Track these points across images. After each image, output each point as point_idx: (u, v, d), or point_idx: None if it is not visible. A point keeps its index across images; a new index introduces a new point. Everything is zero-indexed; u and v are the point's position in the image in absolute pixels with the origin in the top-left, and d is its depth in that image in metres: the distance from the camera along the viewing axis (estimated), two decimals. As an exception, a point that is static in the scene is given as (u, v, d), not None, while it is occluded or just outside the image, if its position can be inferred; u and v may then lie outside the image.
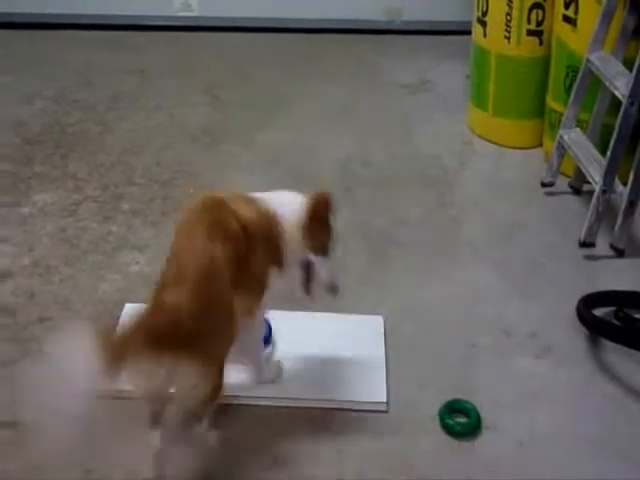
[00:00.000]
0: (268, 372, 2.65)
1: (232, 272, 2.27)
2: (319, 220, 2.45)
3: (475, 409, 2.57)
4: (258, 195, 2.45)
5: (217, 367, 2.25)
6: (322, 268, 2.47)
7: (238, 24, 5.05)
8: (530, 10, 3.77)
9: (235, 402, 2.58)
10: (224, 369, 2.28)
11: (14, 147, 3.89)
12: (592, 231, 3.29)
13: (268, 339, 2.73)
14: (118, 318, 2.85)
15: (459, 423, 2.54)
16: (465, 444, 2.50)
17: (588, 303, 2.88)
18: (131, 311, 2.89)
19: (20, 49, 4.74)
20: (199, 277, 2.19)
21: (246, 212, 2.37)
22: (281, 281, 2.48)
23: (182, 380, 2.16)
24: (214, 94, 4.40)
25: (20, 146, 3.90)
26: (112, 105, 4.25)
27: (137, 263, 3.18)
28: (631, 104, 3.17)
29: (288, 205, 2.45)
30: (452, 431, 2.52)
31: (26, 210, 3.46)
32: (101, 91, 4.37)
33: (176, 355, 2.11)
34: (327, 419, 2.56)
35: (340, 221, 3.40)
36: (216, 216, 2.33)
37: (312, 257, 2.47)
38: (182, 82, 4.51)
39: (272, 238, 2.41)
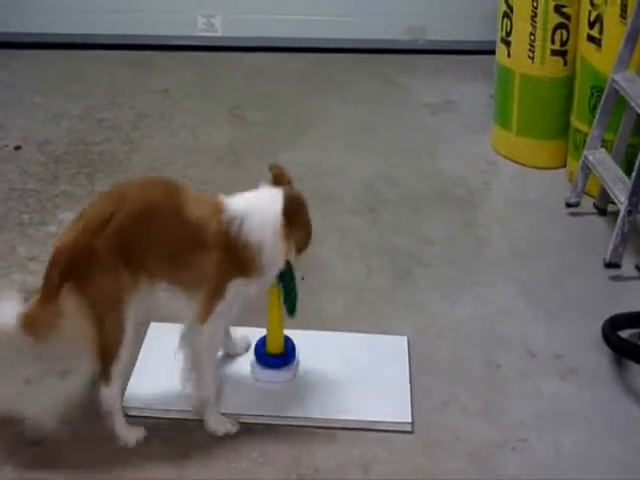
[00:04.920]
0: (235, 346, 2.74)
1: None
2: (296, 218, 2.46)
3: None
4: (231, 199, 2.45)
5: None
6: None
7: (261, 44, 5.07)
8: (554, 30, 3.76)
9: (259, 421, 2.59)
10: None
11: (40, 165, 3.92)
12: (617, 252, 3.28)
13: (291, 357, 2.74)
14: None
15: None
16: (490, 464, 2.49)
17: (614, 325, 2.86)
18: (156, 330, 2.91)
19: (50, 69, 4.78)
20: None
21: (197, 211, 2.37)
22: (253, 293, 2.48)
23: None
24: (238, 113, 4.42)
25: (46, 164, 3.93)
26: (137, 124, 4.28)
27: (162, 282, 3.18)
28: (657, 124, 3.17)
29: (265, 210, 2.42)
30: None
31: (52, 229, 3.48)
32: (126, 110, 4.41)
33: None
34: (352, 439, 2.56)
35: (365, 240, 3.46)
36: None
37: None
38: (206, 101, 4.53)
39: (234, 247, 2.37)
